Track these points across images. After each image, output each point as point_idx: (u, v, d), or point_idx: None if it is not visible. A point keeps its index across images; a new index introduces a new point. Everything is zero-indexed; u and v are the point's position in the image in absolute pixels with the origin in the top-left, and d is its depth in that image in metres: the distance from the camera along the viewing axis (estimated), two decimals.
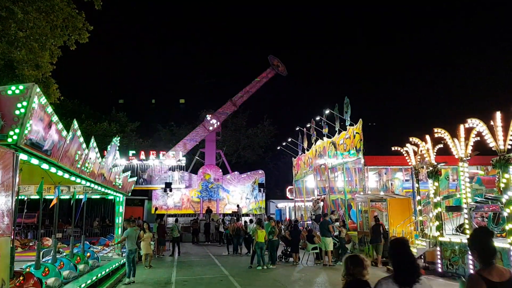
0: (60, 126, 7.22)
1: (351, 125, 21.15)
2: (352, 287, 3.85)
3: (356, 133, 20.26)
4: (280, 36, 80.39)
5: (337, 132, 23.13)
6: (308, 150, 29.26)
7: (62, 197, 12.94)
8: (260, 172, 40.21)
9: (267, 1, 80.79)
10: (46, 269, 9.17)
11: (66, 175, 8.61)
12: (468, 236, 4.82)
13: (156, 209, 36.25)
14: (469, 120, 12.24)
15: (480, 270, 3.57)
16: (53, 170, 7.77)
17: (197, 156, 42.30)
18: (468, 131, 12.68)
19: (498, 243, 11.37)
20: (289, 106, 63.40)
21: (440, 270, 13.72)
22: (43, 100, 6.34)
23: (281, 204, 39.52)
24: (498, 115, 11.37)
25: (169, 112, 55.54)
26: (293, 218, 30.93)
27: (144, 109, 58.83)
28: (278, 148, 36.37)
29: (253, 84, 40.51)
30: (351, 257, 4.04)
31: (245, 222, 21.93)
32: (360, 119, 20.10)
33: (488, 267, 3.55)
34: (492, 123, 11.53)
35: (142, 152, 36.19)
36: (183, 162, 37.58)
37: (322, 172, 25.85)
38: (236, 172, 40.42)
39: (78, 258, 11.79)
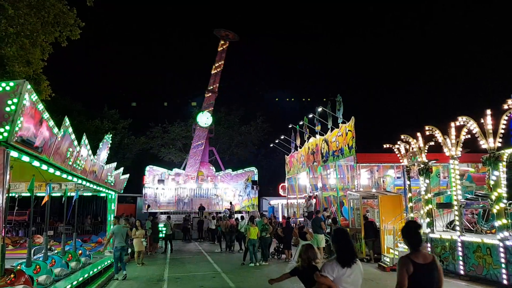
0: (52, 123, 7.19)
1: (343, 122, 21.22)
2: (306, 269, 4.81)
3: (349, 130, 20.33)
4: (268, 31, 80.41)
5: (330, 129, 23.20)
6: (300, 148, 29.31)
7: (53, 194, 12.89)
8: (253, 169, 40.22)
9: None
10: (37, 266, 9.14)
11: (58, 173, 8.59)
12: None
13: (148, 206, 36.15)
14: (459, 118, 12.34)
15: (409, 254, 4.54)
16: (44, 167, 7.74)
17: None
18: (459, 128, 12.78)
19: (487, 240, 11.51)
20: (282, 104, 63.54)
21: None
22: (34, 97, 6.32)
23: (274, 201, 39.57)
24: (489, 113, 11.48)
25: (162, 109, 55.44)
26: (285, 215, 31.00)
27: (137, 106, 58.71)
28: (271, 145, 36.39)
29: (217, 64, 39.61)
30: (308, 246, 4.98)
31: (236, 219, 21.94)
32: (353, 117, 20.18)
33: (416, 252, 4.51)
34: (482, 121, 11.64)
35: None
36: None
37: (315, 170, 25.93)
38: (229, 170, 40.41)
39: (70, 255, 11.76)
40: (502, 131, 11.34)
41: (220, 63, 39.14)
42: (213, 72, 39.11)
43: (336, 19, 78.53)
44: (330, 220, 17.74)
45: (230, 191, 39.28)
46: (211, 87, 39.23)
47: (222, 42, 39.31)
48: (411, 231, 4.67)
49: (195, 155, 38.86)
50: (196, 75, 70.19)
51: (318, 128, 25.35)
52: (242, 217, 20.80)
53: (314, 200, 24.51)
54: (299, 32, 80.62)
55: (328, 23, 79.65)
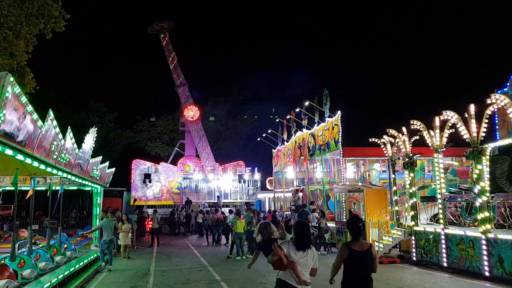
0: (35, 116, 7.11)
1: (330, 117, 21.33)
2: (266, 241, 5.57)
3: (335, 124, 20.45)
4: (255, 27, 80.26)
5: (316, 123, 23.29)
6: (287, 142, 29.40)
7: (38, 188, 12.76)
8: (240, 163, 40.24)
9: None
10: (22, 260, 9.08)
11: (42, 166, 8.50)
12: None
13: (135, 200, 36.03)
14: (444, 112, 12.49)
15: (348, 242, 5.52)
16: (28, 161, 7.66)
17: (177, 147, 42.11)
18: (443, 123, 12.94)
19: (470, 232, 11.71)
20: (269, 98, 63.50)
21: (414, 258, 14.04)
22: (17, 89, 6.24)
23: (261, 195, 39.67)
24: (472, 107, 11.63)
25: (149, 102, 55.02)
26: (272, 208, 31.11)
27: (123, 99, 58.16)
28: (258, 139, 36.44)
29: (170, 58, 39.65)
30: (267, 223, 5.88)
31: (223, 213, 21.99)
32: (339, 111, 20.30)
33: (355, 241, 5.43)
34: (466, 115, 11.79)
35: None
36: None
37: (302, 163, 26.04)
38: (216, 164, 40.37)
39: (55, 249, 11.69)
40: (485, 125, 11.50)
41: (172, 55, 39.04)
42: (171, 67, 39.02)
43: (323, 14, 78.62)
44: (316, 214, 17.87)
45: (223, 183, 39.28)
46: (178, 82, 39.11)
47: (161, 36, 39.04)
48: (353, 224, 5.63)
49: (204, 148, 38.86)
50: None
51: (305, 122, 25.44)
52: (231, 211, 20.83)
53: (301, 194, 24.63)
54: (287, 25, 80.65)
55: (315, 18, 79.73)
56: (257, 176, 38.89)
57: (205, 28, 77.58)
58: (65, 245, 13.06)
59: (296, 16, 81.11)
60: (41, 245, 12.59)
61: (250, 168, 39.51)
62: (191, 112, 39.31)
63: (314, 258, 5.33)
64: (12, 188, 12.69)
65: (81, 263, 12.29)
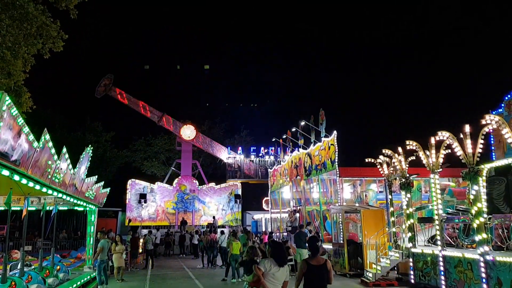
0: (31, 137, 7.08)
1: (326, 137, 21.35)
2: (249, 261, 7.21)
3: (331, 144, 20.45)
4: (253, 47, 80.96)
5: (313, 143, 23.30)
6: (284, 162, 29.35)
7: (31, 208, 12.62)
8: (236, 183, 40.13)
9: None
10: (13, 283, 8.90)
11: (37, 186, 8.42)
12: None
13: (129, 221, 35.68)
14: (439, 133, 12.50)
15: (307, 258, 6.59)
16: (24, 181, 7.59)
17: (173, 167, 41.97)
18: (439, 143, 12.95)
19: (468, 254, 11.60)
20: (265, 117, 63.62)
21: (412, 281, 13.87)
22: (13, 109, 6.21)
23: (257, 216, 39.44)
24: (467, 128, 11.65)
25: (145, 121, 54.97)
26: (269, 229, 30.88)
27: (119, 118, 58.18)
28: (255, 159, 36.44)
29: (137, 107, 40.21)
30: (253, 246, 7.62)
31: (221, 231, 21.77)
32: (335, 131, 20.33)
33: (313, 257, 6.54)
34: (461, 135, 11.81)
35: None
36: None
37: (298, 183, 25.96)
38: (212, 183, 40.23)
39: (47, 271, 11.51)
40: (481, 146, 11.51)
41: (137, 103, 39.87)
42: (143, 113, 39.86)
43: (318, 34, 79.57)
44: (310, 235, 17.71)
45: (214, 205, 39.06)
46: (156, 118, 39.74)
47: (113, 93, 39.28)
48: (311, 244, 6.85)
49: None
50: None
51: (301, 142, 25.45)
52: (222, 232, 20.62)
53: (298, 214, 24.49)
54: (283, 46, 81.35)
55: (312, 38, 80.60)
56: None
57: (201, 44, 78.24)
58: (58, 267, 12.86)
59: (291, 35, 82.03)
60: (33, 267, 12.39)
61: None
62: (188, 131, 39.31)
63: (287, 273, 6.46)
64: (5, 208, 12.56)
65: (74, 285, 12.09)
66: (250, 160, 40.91)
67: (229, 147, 41.96)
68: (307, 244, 7.15)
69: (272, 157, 39.79)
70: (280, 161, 30.44)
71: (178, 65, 69.15)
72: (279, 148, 30.73)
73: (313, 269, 6.28)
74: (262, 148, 41.00)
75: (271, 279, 6.25)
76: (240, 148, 41.66)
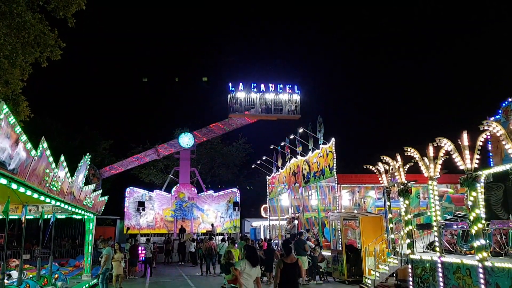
0: (29, 145, 7.09)
1: (324, 143, 21.38)
2: (226, 264, 8.71)
3: (329, 151, 20.48)
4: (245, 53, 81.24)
5: (311, 150, 23.33)
6: (282, 169, 29.35)
7: (29, 216, 12.59)
8: (235, 190, 40.08)
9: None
10: None
11: (35, 195, 8.41)
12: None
13: (128, 228, 35.56)
14: (437, 139, 12.53)
15: (283, 257, 8.04)
16: (21, 189, 7.58)
17: (171, 175, 41.91)
18: (437, 150, 12.97)
19: (467, 261, 11.59)
20: (264, 125, 63.68)
21: (411, 287, 13.84)
22: (12, 119, 6.22)
23: (256, 223, 39.35)
24: (465, 134, 11.69)
25: (144, 129, 55.05)
26: (267, 237, 30.81)
27: (118, 126, 58.17)
28: (253, 166, 36.35)
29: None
30: (229, 251, 9.12)
31: (224, 239, 21.74)
32: (333, 138, 20.36)
33: (287, 256, 8.03)
34: (459, 142, 11.84)
35: None
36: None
37: (296, 191, 25.95)
38: (211, 191, 40.17)
39: (45, 280, 11.47)
40: (479, 152, 11.54)
41: (124, 168, 39.97)
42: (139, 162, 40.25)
43: (317, 38, 79.92)
44: (311, 243, 17.70)
45: (212, 212, 38.98)
46: (155, 154, 39.61)
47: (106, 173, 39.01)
48: (285, 245, 8.52)
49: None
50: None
51: (299, 149, 25.47)
52: (223, 239, 20.57)
53: (296, 221, 24.45)
54: (281, 51, 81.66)
55: (310, 42, 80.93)
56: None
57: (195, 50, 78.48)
58: (56, 275, 12.81)
59: (290, 40, 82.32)
60: (31, 276, 12.34)
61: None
62: (186, 139, 39.30)
63: (258, 271, 7.87)
64: (3, 217, 12.52)
65: None
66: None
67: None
68: (283, 246, 8.56)
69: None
70: (278, 168, 30.41)
71: (177, 68, 69.39)
72: (277, 156, 30.68)
73: (288, 266, 7.88)
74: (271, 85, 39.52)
75: (246, 276, 7.55)
76: (241, 84, 39.36)
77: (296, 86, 39.85)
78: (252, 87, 39.06)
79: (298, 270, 7.98)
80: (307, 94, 70.73)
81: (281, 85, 39.55)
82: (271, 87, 39.21)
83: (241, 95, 38.49)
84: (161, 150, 39.55)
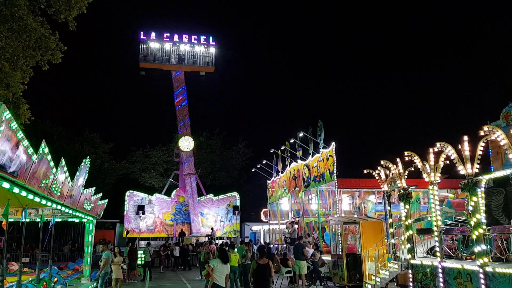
0: (30, 150, 7.07)
1: (324, 148, 21.37)
2: (203, 263, 13.15)
3: (330, 156, 20.46)
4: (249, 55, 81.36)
5: (311, 155, 23.31)
6: (282, 173, 29.32)
7: (28, 220, 12.56)
8: (234, 194, 40.03)
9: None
10: None
11: (37, 199, 8.39)
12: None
13: (127, 232, 35.52)
14: (438, 144, 12.51)
15: (257, 259, 9.93)
16: (21, 192, 7.55)
17: (171, 178, 41.88)
18: (437, 154, 12.95)
19: (468, 266, 11.55)
20: (264, 129, 63.79)
21: None
22: (13, 122, 6.21)
23: (256, 227, 39.28)
24: (466, 139, 11.68)
25: (144, 133, 55.09)
26: (267, 241, 30.76)
27: (118, 130, 58.24)
28: (253, 170, 36.33)
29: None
30: (207, 252, 14.78)
31: (219, 244, 21.63)
32: (333, 142, 20.35)
33: (260, 258, 9.86)
34: (460, 147, 11.82)
35: None
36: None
37: (297, 195, 25.91)
38: (210, 195, 40.12)
39: (45, 283, 11.42)
40: (479, 157, 11.52)
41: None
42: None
43: (317, 44, 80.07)
44: (311, 247, 17.66)
45: (212, 216, 38.94)
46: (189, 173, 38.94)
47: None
48: (260, 249, 10.63)
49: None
50: None
51: (299, 153, 25.45)
52: (225, 244, 20.49)
53: (296, 226, 24.40)
54: (282, 55, 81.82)
55: (310, 49, 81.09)
56: None
57: None
58: (55, 279, 12.77)
59: (292, 47, 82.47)
60: (30, 279, 12.30)
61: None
62: (186, 142, 39.24)
63: (228, 268, 9.50)
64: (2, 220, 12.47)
65: None
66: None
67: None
68: (258, 250, 10.74)
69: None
70: (279, 172, 30.38)
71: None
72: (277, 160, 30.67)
73: (260, 266, 9.84)
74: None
75: (217, 273, 9.22)
76: (153, 33, 38.45)
77: (211, 38, 39.31)
78: (165, 36, 38.31)
79: (268, 269, 9.90)
80: (307, 98, 70.85)
81: (196, 36, 38.85)
82: (185, 37, 38.49)
83: (153, 45, 37.95)
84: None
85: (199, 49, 39.07)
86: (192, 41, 38.82)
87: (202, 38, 39.16)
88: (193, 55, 38.80)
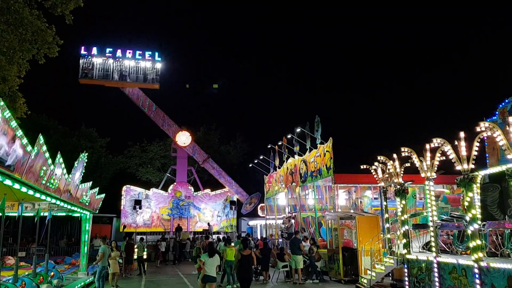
0: (25, 140, 7.05)
1: (321, 143, 21.40)
2: (195, 256, 14.72)
3: (327, 151, 20.49)
4: (249, 50, 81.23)
5: (308, 150, 23.33)
6: (279, 168, 29.36)
7: (25, 214, 12.56)
8: (232, 189, 40.07)
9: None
10: None
11: (31, 192, 8.38)
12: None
13: (124, 227, 35.54)
14: (434, 140, 12.55)
15: (240, 250, 11.94)
16: (16, 186, 7.55)
17: (168, 173, 41.87)
18: (434, 150, 13.00)
19: (463, 261, 11.62)
20: (261, 124, 63.78)
21: (407, 287, 13.88)
22: (7, 113, 6.20)
23: (253, 222, 39.39)
24: (462, 135, 11.71)
25: (140, 127, 54.95)
26: (263, 236, 30.84)
27: (115, 125, 58.05)
28: (250, 165, 36.36)
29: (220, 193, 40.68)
30: (198, 248, 17.01)
31: (219, 239, 21.66)
32: (330, 138, 20.37)
33: (243, 249, 11.67)
34: (456, 143, 11.86)
35: None
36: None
37: (293, 190, 25.96)
38: (207, 190, 40.16)
39: (41, 277, 11.43)
40: (476, 153, 11.57)
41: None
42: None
43: (314, 39, 79.95)
44: (308, 242, 17.73)
45: (209, 211, 39.00)
46: (204, 162, 39.90)
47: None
48: (244, 241, 12.38)
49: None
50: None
51: (296, 148, 25.47)
52: (219, 239, 20.54)
53: (293, 221, 24.47)
54: (277, 49, 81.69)
55: (307, 42, 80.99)
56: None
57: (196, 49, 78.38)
58: (52, 273, 12.78)
59: (287, 40, 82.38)
60: (26, 273, 12.30)
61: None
62: (183, 137, 39.25)
63: (217, 261, 10.80)
64: None
65: None
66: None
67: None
68: (242, 242, 12.65)
69: None
70: (276, 167, 30.41)
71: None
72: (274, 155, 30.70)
73: (244, 257, 11.44)
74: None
75: (207, 265, 10.54)
76: (94, 48, 36.94)
77: (157, 53, 38.26)
78: (108, 52, 36.83)
79: (251, 259, 11.67)
80: (304, 93, 70.85)
81: (140, 52, 37.66)
82: (129, 53, 37.25)
83: (97, 60, 36.50)
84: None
85: (145, 64, 37.75)
86: (137, 57, 37.44)
87: (147, 53, 37.85)
88: (137, 71, 37.45)
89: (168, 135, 40.72)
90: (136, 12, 75.06)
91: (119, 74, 36.89)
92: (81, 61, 36.58)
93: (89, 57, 36.51)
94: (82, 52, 36.69)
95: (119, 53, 37.11)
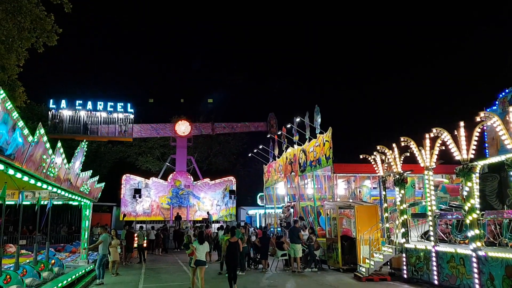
0: (26, 130, 7.05)
1: (321, 133, 21.39)
2: (187, 243, 12.75)
3: (326, 141, 20.49)
4: (251, 41, 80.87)
5: (308, 139, 23.34)
6: (279, 157, 29.40)
7: (26, 202, 12.59)
8: (231, 178, 40.16)
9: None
10: (8, 276, 8.89)
11: (32, 181, 8.39)
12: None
13: (124, 215, 35.67)
14: (434, 130, 12.57)
15: (229, 238, 12.90)
16: (18, 175, 7.57)
17: (167, 163, 41.93)
18: (433, 140, 13.03)
19: (461, 250, 11.71)
20: (261, 113, 63.60)
21: (405, 276, 14.00)
22: (9, 105, 6.19)
23: (252, 211, 39.53)
24: (462, 125, 11.73)
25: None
26: (263, 224, 30.97)
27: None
28: (250, 155, 36.38)
29: (241, 126, 42.09)
30: (189, 236, 14.48)
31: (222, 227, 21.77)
32: (330, 127, 20.36)
33: (231, 237, 12.82)
34: (456, 133, 11.89)
35: None
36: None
37: (293, 179, 26.02)
38: (207, 179, 40.25)
39: (42, 265, 11.48)
40: (475, 143, 11.60)
41: (244, 129, 43.47)
42: (233, 125, 42.55)
43: (314, 30, 79.54)
44: (306, 231, 17.82)
45: (208, 200, 39.11)
46: (217, 127, 41.29)
47: (262, 123, 42.40)
48: (232, 229, 13.88)
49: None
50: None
51: (296, 138, 25.47)
52: (220, 228, 20.62)
53: (292, 210, 24.56)
54: (276, 41, 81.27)
55: (307, 33, 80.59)
56: None
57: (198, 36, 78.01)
58: (53, 261, 12.83)
59: (287, 31, 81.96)
60: (28, 261, 12.37)
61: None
62: (183, 127, 39.26)
63: (207, 247, 12.17)
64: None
65: (69, 279, 12.08)
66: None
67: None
68: (229, 230, 14.31)
69: None
70: (275, 157, 30.45)
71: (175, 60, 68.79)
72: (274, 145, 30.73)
73: (231, 244, 12.47)
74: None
75: (198, 251, 11.64)
76: (63, 101, 35.80)
77: (129, 104, 37.50)
78: (77, 104, 35.88)
79: (238, 246, 12.65)
80: (304, 83, 70.57)
81: (112, 103, 36.93)
82: (100, 105, 36.44)
83: (67, 112, 35.49)
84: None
85: (117, 115, 36.91)
86: (108, 109, 36.65)
87: (119, 105, 37.06)
88: (110, 121, 36.62)
89: (169, 120, 41.26)
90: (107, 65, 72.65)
91: (90, 126, 36.03)
92: (49, 114, 35.40)
93: (58, 110, 35.46)
94: (51, 105, 35.57)
95: (89, 105, 36.24)
